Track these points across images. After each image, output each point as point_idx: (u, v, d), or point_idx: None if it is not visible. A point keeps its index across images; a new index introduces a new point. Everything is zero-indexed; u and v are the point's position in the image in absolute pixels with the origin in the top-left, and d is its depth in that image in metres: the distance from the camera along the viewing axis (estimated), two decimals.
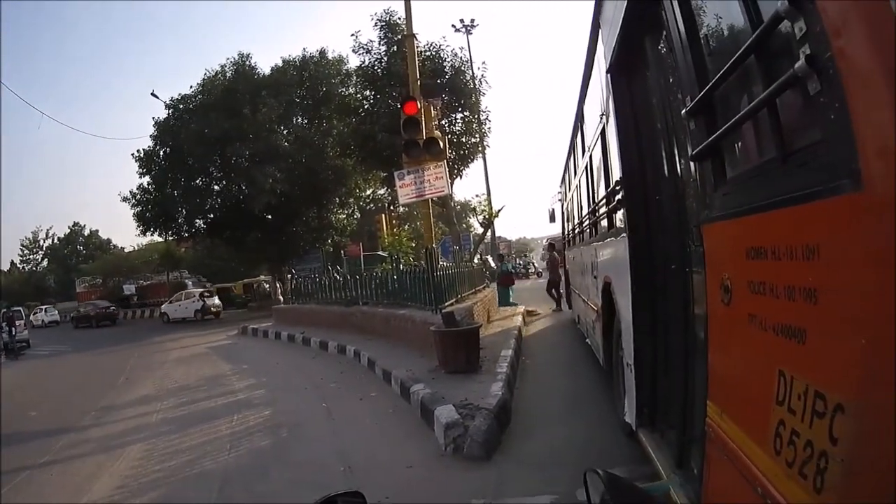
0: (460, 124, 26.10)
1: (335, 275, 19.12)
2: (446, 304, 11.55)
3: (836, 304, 1.44)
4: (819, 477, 1.45)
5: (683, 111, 2.58)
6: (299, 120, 36.69)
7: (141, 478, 6.30)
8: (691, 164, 2.75)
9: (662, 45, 3.43)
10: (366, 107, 26.71)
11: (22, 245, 79.12)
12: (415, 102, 11.68)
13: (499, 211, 25.93)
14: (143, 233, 36.18)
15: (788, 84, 1.58)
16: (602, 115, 5.48)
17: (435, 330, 9.08)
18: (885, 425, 1.23)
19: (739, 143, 2.33)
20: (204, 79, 34.86)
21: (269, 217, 35.19)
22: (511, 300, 18.61)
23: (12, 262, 78.84)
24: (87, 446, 7.87)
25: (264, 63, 42.16)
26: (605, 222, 6.11)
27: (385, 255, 22.95)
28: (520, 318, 14.80)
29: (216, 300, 36.44)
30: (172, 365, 15.55)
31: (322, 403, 8.73)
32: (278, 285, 33.77)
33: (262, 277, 44.15)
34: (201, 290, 38.59)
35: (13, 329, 25.30)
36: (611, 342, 6.10)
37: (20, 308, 33.55)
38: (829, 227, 1.46)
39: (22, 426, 9.33)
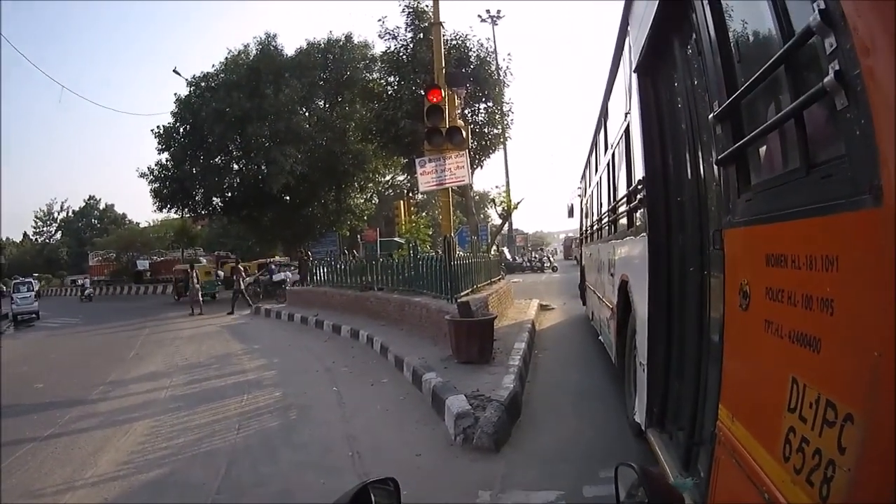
0: (483, 114, 25.86)
1: (351, 258, 19.11)
2: (462, 293, 11.55)
3: (852, 316, 1.46)
4: (825, 485, 1.48)
5: (710, 115, 2.59)
6: (321, 103, 36.60)
7: (147, 454, 6.35)
8: (715, 168, 2.75)
9: (691, 48, 3.40)
10: (389, 92, 26.46)
11: (36, 217, 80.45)
12: (439, 90, 11.70)
13: (518, 203, 25.82)
14: (160, 209, 36.16)
15: (816, 97, 1.60)
16: (626, 113, 5.45)
17: (450, 319, 9.08)
18: (890, 437, 1.25)
19: (764, 151, 2.34)
20: (227, 57, 34.73)
21: (287, 198, 35.19)
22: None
23: (25, 234, 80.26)
24: (94, 420, 7.91)
25: (289, 45, 42.14)
26: (624, 220, 6.09)
27: (402, 241, 22.94)
28: (534, 311, 14.76)
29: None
30: (184, 342, 15.63)
31: (333, 387, 8.79)
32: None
33: (278, 258, 44.30)
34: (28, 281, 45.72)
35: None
36: (624, 340, 6.08)
37: (31, 280, 33.81)
38: (849, 240, 1.49)
39: (28, 398, 9.40)
